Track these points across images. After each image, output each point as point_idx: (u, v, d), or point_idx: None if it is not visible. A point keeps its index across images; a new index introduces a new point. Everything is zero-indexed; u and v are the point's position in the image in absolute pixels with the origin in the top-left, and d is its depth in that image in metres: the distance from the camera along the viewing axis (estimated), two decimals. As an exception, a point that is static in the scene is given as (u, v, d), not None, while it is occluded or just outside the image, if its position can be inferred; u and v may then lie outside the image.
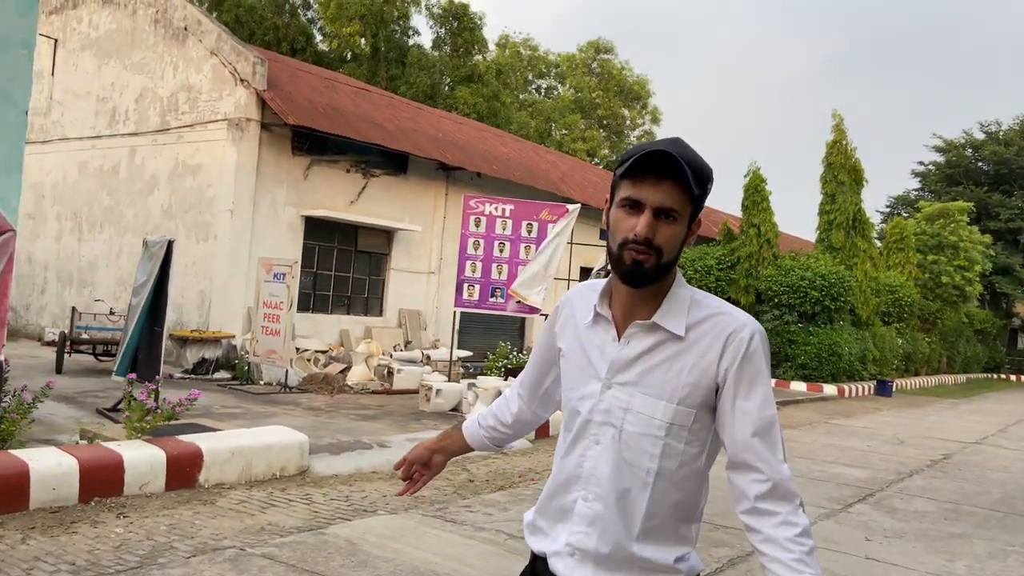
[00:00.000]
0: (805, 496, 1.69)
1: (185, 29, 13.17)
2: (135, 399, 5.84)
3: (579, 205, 11.91)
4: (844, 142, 20.45)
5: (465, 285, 11.74)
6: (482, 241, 11.78)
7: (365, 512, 5.61)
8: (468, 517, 5.63)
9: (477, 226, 11.79)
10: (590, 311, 1.55)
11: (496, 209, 11.84)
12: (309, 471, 6.61)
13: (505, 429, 1.91)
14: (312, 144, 12.89)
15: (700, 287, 20.57)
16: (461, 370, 13.97)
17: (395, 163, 14.44)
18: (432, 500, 6.07)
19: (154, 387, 5.96)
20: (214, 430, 6.71)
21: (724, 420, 1.46)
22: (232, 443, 6.10)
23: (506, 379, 10.94)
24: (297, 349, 12.22)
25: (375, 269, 14.47)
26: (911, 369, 24.01)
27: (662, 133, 71.91)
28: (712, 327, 1.45)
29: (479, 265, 11.77)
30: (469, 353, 14.20)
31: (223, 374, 11.32)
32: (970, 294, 26.55)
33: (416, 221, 14.68)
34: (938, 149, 36.92)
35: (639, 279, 1.44)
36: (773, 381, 19.20)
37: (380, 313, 14.50)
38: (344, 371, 11.57)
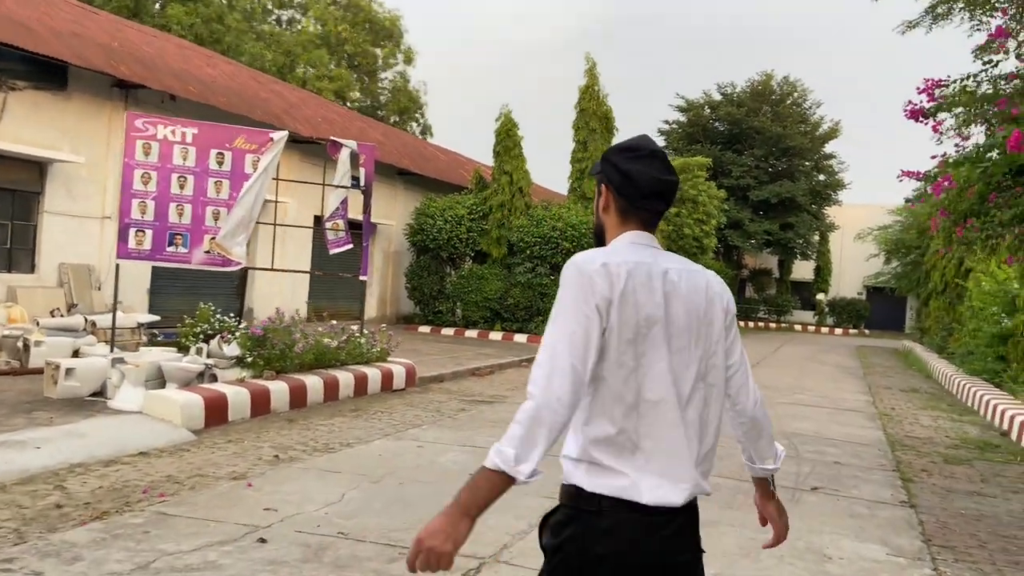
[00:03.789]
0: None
1: None
2: None
3: (285, 133, 9.66)
4: (596, 88, 19.82)
5: (132, 231, 9.11)
6: (154, 174, 9.18)
7: None
8: (-13, 588, 3.44)
9: (147, 154, 9.15)
10: None
11: (173, 133, 9.26)
12: None
13: None
14: (-95, 37, 9.34)
15: (451, 238, 19.18)
16: (145, 339, 11.26)
17: (49, 75, 11.14)
18: (-52, 556, 3.77)
19: None
20: None
21: None
22: None
23: (198, 351, 8.46)
24: None
25: (21, 212, 11.15)
26: (657, 319, 24.54)
27: (417, 75, 69.57)
28: None
29: (150, 205, 9.17)
30: (156, 318, 11.50)
31: None
32: (707, 246, 27.79)
33: (81, 151, 11.51)
34: (680, 109, 38.57)
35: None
36: (524, 336, 18.49)
37: (31, 269, 11.24)
38: (-54, 347, 8.50)
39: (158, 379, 7.48)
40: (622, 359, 1.68)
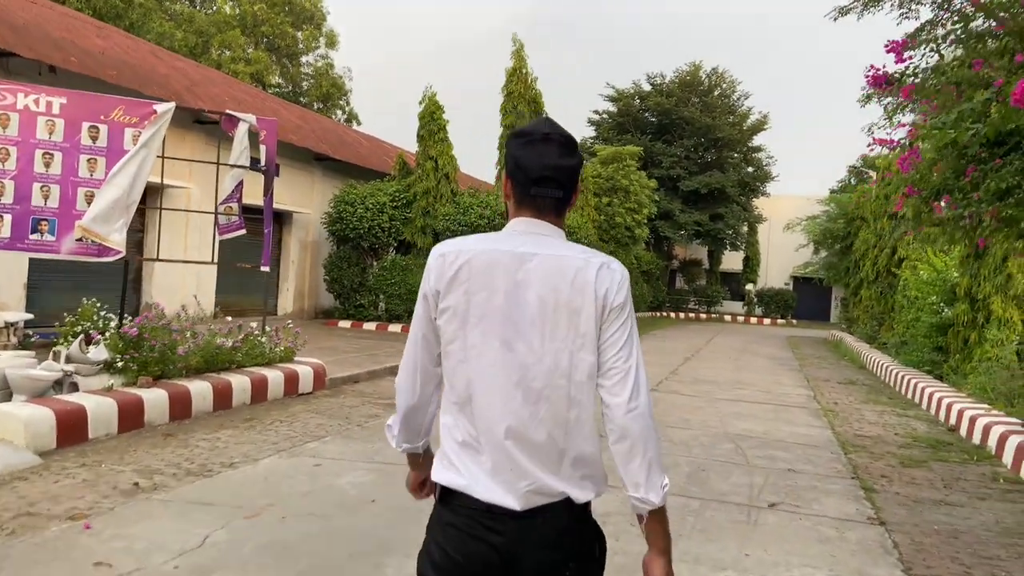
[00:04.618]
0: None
1: None
2: None
3: (172, 105, 8.44)
4: (524, 70, 19.00)
5: (-13, 215, 7.80)
6: (13, 150, 7.90)
7: None
8: None
9: (4, 127, 7.86)
10: None
11: (36, 102, 7.99)
12: None
13: None
14: None
15: (372, 226, 18.02)
16: (16, 340, 9.88)
17: None
18: None
19: None
20: None
21: None
22: None
23: (55, 356, 7.25)
24: None
25: None
26: (588, 311, 23.92)
27: (341, 60, 67.69)
28: None
29: (9, 186, 7.89)
30: (28, 315, 10.11)
31: None
32: (639, 236, 27.34)
33: (-65, 125, 9.99)
34: (611, 99, 38.07)
35: None
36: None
37: None
38: None
39: (4, 390, 6.27)
40: (449, 348, 1.66)
